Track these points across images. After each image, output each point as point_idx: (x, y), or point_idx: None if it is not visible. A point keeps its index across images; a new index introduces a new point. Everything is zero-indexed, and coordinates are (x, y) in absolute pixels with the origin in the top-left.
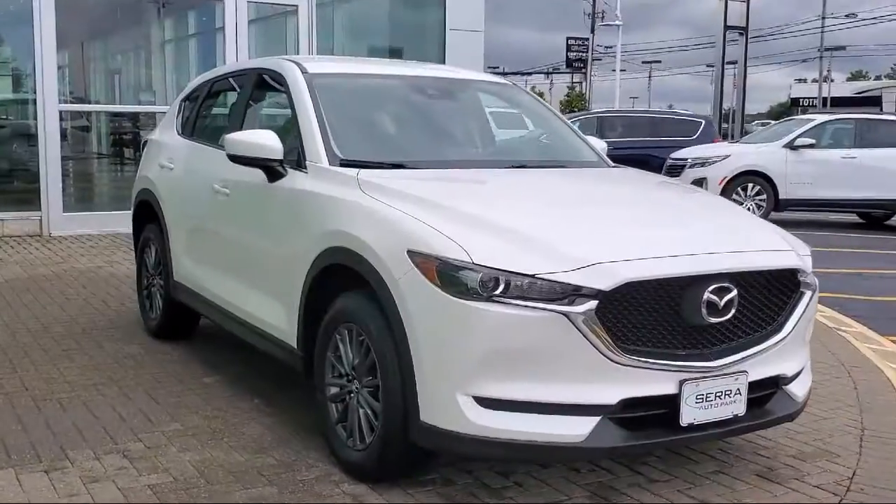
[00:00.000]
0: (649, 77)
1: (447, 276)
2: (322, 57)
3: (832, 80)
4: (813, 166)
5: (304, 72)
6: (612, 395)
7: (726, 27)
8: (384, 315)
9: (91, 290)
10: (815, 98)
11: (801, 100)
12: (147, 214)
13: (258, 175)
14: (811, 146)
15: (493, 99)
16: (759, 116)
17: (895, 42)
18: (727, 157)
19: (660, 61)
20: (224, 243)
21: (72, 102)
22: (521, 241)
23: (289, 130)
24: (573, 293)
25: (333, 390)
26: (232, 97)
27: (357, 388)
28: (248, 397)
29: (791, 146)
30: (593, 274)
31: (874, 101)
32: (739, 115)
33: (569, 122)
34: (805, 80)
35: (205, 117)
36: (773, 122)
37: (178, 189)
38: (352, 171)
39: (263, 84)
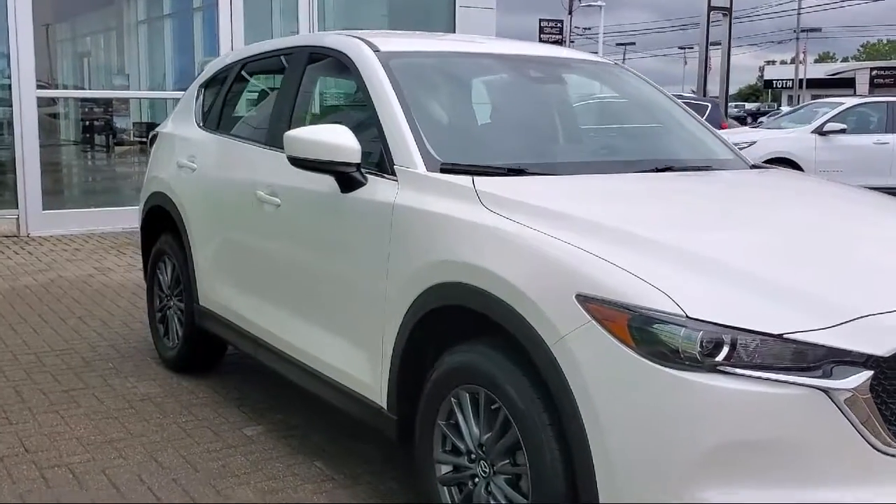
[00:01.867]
0: (623, 59)
1: (646, 334)
2: (387, 32)
3: (803, 62)
4: (843, 152)
5: (375, 50)
6: (882, 498)
7: (710, 7)
8: (536, 380)
9: (85, 306)
10: (788, 80)
11: (774, 81)
12: (161, 222)
13: (325, 182)
14: (842, 131)
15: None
16: (730, 98)
17: (861, 24)
18: (753, 143)
19: (634, 43)
20: (273, 266)
21: (48, 88)
22: (744, 283)
23: (360, 125)
24: (832, 360)
25: (445, 469)
26: (271, 82)
27: (486, 471)
28: (305, 458)
29: (820, 131)
30: (864, 332)
31: (848, 83)
32: (723, 97)
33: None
34: (774, 62)
35: (236, 106)
36: (746, 104)
37: (206, 194)
38: (463, 180)
39: (318, 66)
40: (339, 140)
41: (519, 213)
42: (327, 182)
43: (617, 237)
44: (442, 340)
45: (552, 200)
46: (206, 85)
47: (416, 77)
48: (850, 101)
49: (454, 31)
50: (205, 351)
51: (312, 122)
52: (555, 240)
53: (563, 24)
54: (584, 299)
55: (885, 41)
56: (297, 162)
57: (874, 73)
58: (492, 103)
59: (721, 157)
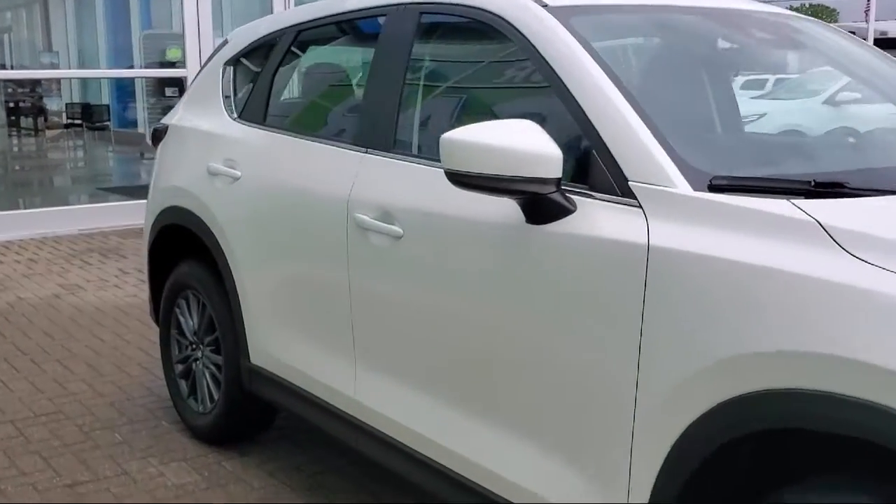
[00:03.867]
0: None
1: None
2: None
3: None
4: (856, 123)
5: (542, 5)
6: None
7: None
8: None
9: (61, 342)
10: None
11: None
12: (181, 246)
13: (494, 206)
14: (855, 101)
15: None
16: None
17: None
18: (763, 115)
19: None
20: (390, 323)
21: None
22: None
23: (533, 119)
24: None
25: None
26: (354, 57)
27: None
28: None
29: (832, 102)
30: None
31: None
32: None
33: None
34: None
35: (295, 92)
36: None
37: (259, 214)
38: (781, 206)
39: (437, 32)
40: (531, 145)
41: None
42: (497, 206)
43: None
44: (780, 477)
45: None
46: (238, 61)
47: (615, 44)
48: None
49: None
50: (252, 419)
51: (438, 116)
52: None
53: None
54: None
55: (807, 5)
56: (462, 179)
57: None
58: (728, 81)
59: None
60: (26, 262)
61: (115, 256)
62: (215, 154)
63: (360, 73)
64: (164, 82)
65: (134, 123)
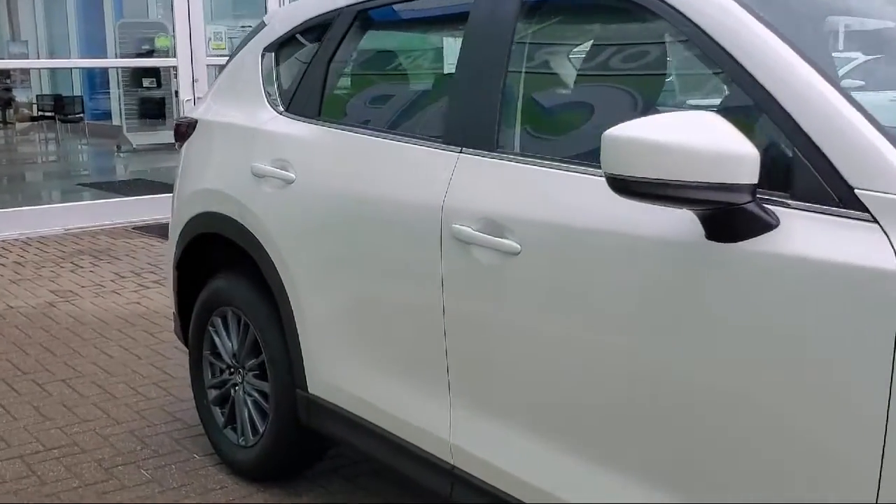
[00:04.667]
0: None
1: None
2: None
3: None
4: None
5: None
6: None
7: None
8: None
9: (63, 358)
10: None
11: None
12: (214, 257)
13: (657, 220)
14: (859, 89)
15: None
16: None
17: None
18: None
19: None
20: (507, 358)
21: None
22: None
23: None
24: None
25: None
26: (433, 42)
27: None
28: None
29: None
30: None
31: None
32: None
33: None
34: None
35: (359, 82)
36: None
37: (323, 224)
38: None
39: (546, 11)
40: (721, 144)
41: None
42: (663, 218)
43: None
44: None
45: None
46: (281, 47)
47: (792, 20)
48: (863, 56)
49: None
50: (303, 454)
51: (559, 111)
52: None
53: None
54: None
55: None
56: (630, 186)
57: None
58: None
59: None
60: (12, 265)
61: (107, 258)
62: (260, 153)
63: (442, 61)
64: (140, 73)
65: (109, 115)
